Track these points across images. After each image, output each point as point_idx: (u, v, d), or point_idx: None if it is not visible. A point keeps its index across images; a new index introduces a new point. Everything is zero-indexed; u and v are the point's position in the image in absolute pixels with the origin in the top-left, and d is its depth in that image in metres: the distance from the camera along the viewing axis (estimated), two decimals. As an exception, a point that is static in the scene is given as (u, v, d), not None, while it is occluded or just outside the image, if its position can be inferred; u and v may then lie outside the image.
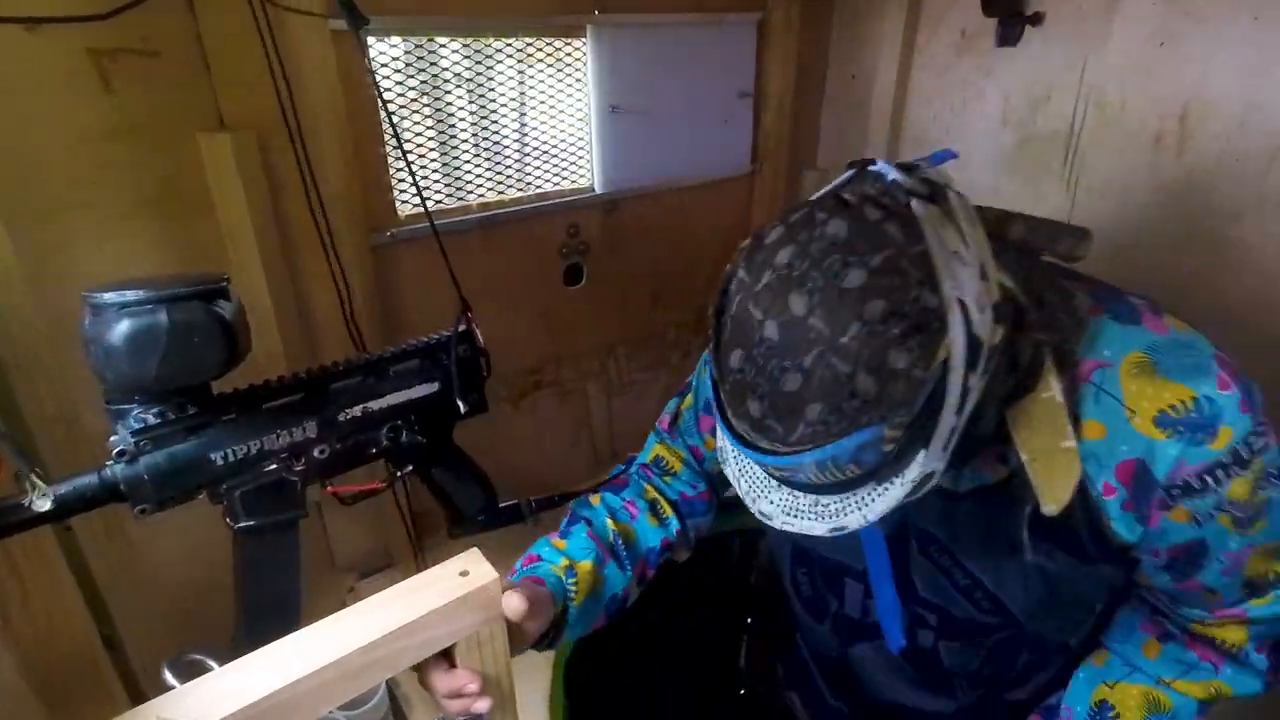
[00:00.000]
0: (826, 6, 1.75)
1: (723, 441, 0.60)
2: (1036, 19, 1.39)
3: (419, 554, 1.47)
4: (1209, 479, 0.59)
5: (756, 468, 0.59)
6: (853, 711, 0.95)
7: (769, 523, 0.59)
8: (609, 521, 0.84)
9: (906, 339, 0.48)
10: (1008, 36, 1.43)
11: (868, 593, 0.80)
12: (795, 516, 0.57)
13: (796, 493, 0.57)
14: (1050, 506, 0.60)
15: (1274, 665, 0.69)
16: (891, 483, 0.53)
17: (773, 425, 0.52)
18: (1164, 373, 0.59)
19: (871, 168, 0.57)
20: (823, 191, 0.58)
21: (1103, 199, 1.39)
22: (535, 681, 1.18)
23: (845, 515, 0.55)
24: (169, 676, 0.61)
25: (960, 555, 0.72)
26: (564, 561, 0.77)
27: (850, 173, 0.58)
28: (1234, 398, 0.58)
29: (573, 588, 0.75)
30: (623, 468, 0.96)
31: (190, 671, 0.56)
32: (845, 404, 0.49)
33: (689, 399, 0.91)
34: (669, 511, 0.89)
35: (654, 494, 0.91)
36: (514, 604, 0.63)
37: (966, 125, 1.56)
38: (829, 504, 0.55)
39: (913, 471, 0.52)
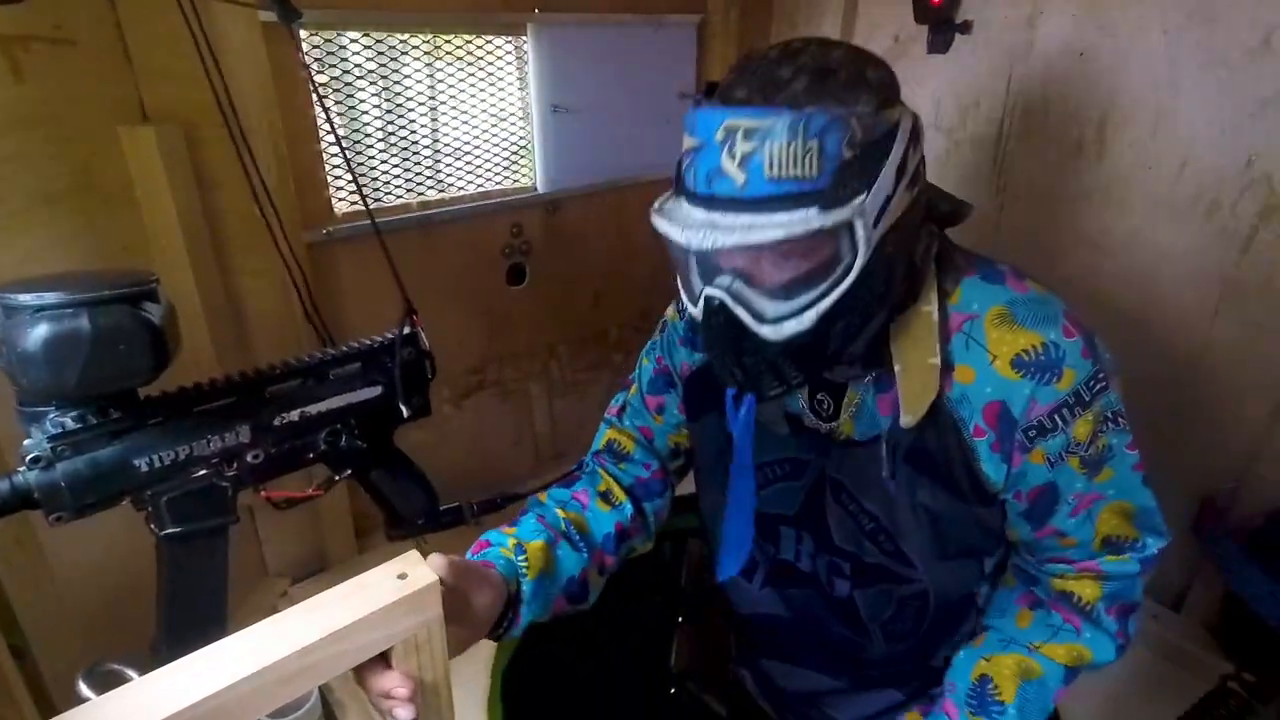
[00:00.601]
0: (765, 10, 1.78)
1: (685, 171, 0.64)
2: (965, 27, 1.44)
3: (358, 554, 1.44)
4: (1057, 418, 0.68)
5: (692, 209, 0.62)
6: (787, 684, 0.98)
7: (688, 241, 0.60)
8: (558, 511, 0.84)
9: (879, 70, 0.62)
10: (938, 44, 1.48)
11: (799, 539, 0.86)
12: (716, 230, 0.59)
13: (727, 215, 0.60)
14: (907, 417, 0.69)
15: (1122, 628, 0.76)
16: (827, 213, 0.57)
17: (755, 96, 0.59)
18: (1020, 322, 0.69)
19: None
20: None
21: (1029, 203, 1.44)
22: (474, 693, 1.17)
23: (766, 231, 0.58)
24: (84, 688, 0.58)
25: (861, 497, 0.78)
26: (512, 542, 0.77)
27: None
28: (1077, 344, 0.68)
29: (523, 564, 0.75)
30: (575, 469, 0.97)
31: (107, 682, 0.53)
32: (828, 81, 0.59)
33: (634, 387, 0.95)
34: (621, 497, 0.90)
35: (608, 482, 0.92)
36: (436, 562, 0.62)
37: (900, 130, 1.59)
38: (757, 221, 0.58)
39: (845, 212, 0.57)
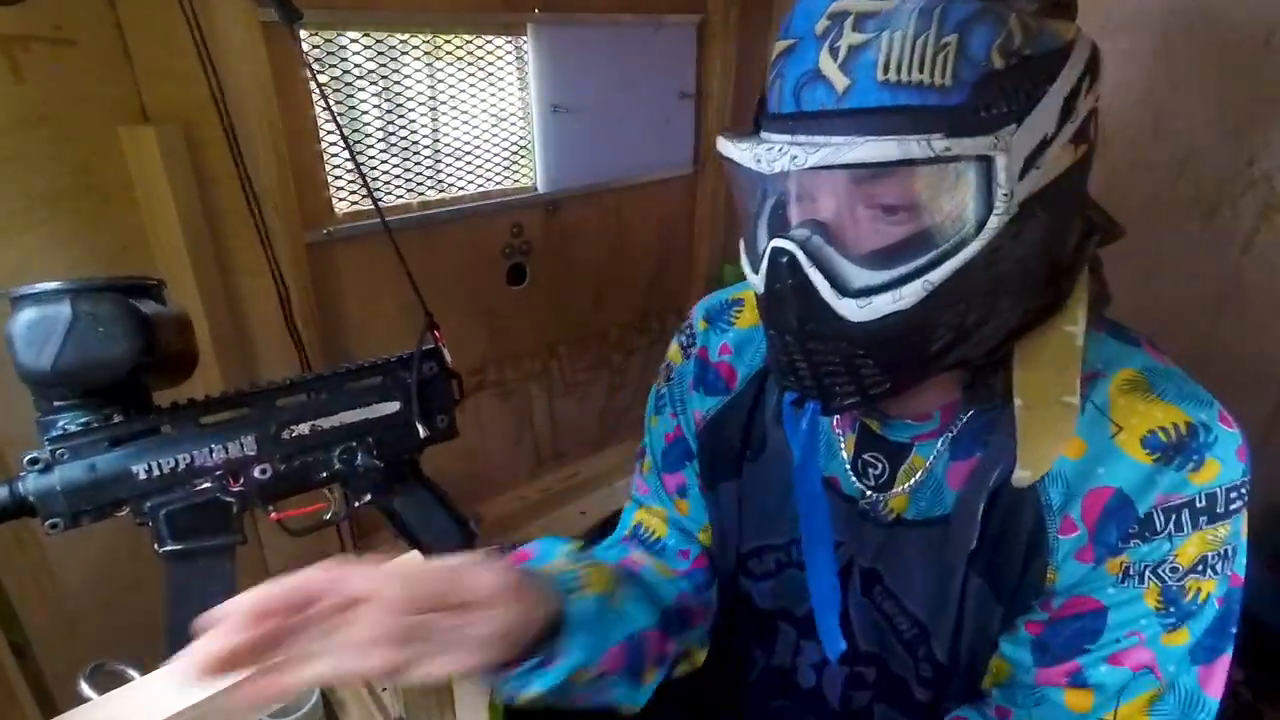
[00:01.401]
0: (765, 9, 1.78)
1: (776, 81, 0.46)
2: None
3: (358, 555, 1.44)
4: (1172, 520, 0.50)
5: (770, 136, 0.46)
6: None
7: (757, 160, 0.45)
8: (610, 563, 0.65)
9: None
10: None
11: (802, 634, 0.69)
12: (795, 148, 0.43)
13: (815, 136, 0.43)
14: (1024, 473, 0.50)
15: None
16: (959, 139, 0.40)
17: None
18: (1160, 393, 0.51)
19: None
20: None
21: (1028, 203, 1.44)
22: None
23: (867, 148, 0.41)
24: (85, 687, 0.58)
25: (902, 596, 0.60)
26: (568, 548, 0.59)
27: None
28: (1235, 437, 0.51)
29: (578, 576, 0.55)
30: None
31: (109, 682, 0.53)
32: None
33: (646, 462, 0.78)
34: (671, 573, 0.71)
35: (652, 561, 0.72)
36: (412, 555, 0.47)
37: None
38: (855, 140, 0.42)
39: (984, 142, 0.41)
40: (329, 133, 1.27)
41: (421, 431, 0.82)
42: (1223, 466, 0.50)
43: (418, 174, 1.44)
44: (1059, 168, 0.45)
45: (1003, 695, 0.57)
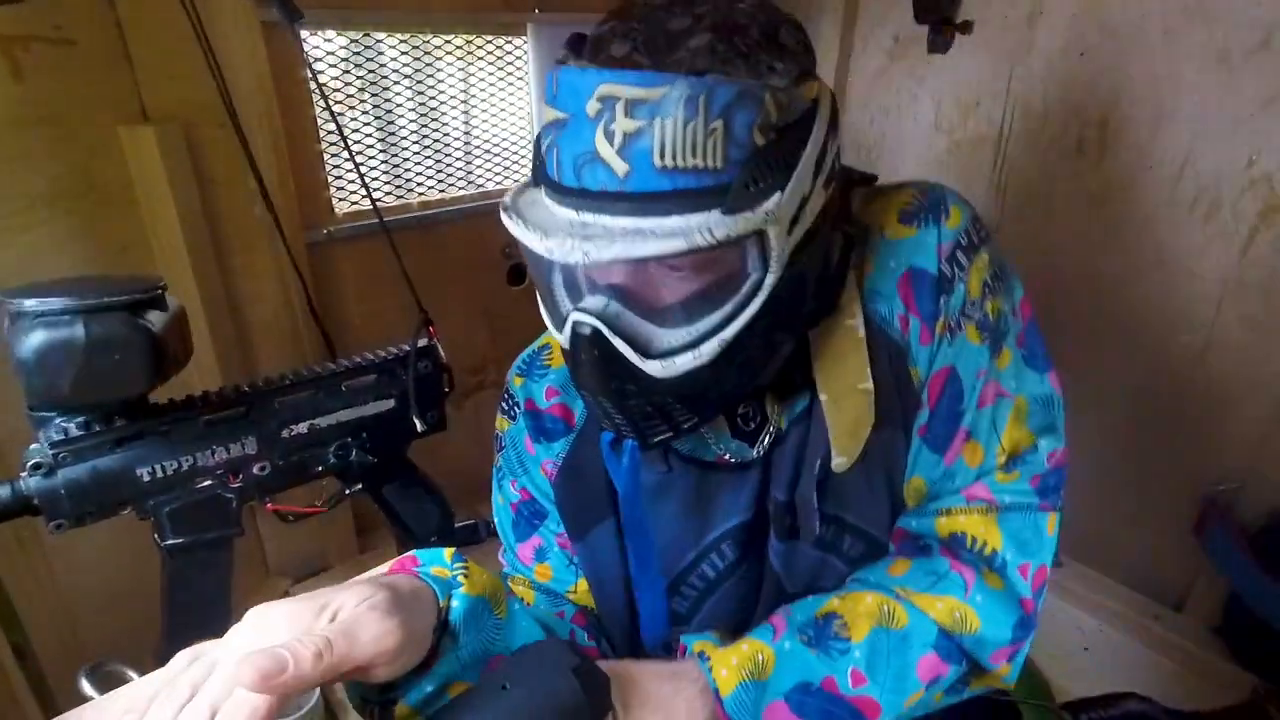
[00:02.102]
0: (766, 11, 1.78)
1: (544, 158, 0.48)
2: (965, 27, 1.44)
3: (359, 554, 1.44)
4: (955, 265, 0.56)
5: (556, 207, 0.47)
6: None
7: (551, 251, 0.45)
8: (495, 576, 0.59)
9: (795, 30, 0.48)
10: (938, 44, 1.47)
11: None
12: (590, 239, 0.44)
13: (602, 216, 0.45)
14: (841, 459, 0.56)
15: (1033, 597, 0.58)
16: (735, 216, 0.44)
17: (639, 56, 0.45)
18: (891, 189, 0.60)
19: None
20: None
21: (1029, 203, 1.44)
22: None
23: (660, 241, 0.43)
24: (86, 687, 0.58)
25: (845, 513, 0.61)
26: (448, 553, 0.54)
27: None
28: (953, 190, 0.59)
29: (460, 574, 0.51)
30: None
31: (109, 682, 0.53)
32: (735, 40, 0.45)
33: (503, 550, 0.75)
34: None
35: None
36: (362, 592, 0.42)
37: (901, 130, 1.59)
38: (644, 225, 0.44)
39: (756, 217, 0.44)
40: (330, 133, 1.27)
41: (417, 426, 0.85)
42: (960, 209, 0.57)
43: (418, 174, 1.44)
44: (815, 211, 0.49)
45: (925, 501, 0.61)
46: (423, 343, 0.86)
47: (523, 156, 1.58)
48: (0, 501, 0.66)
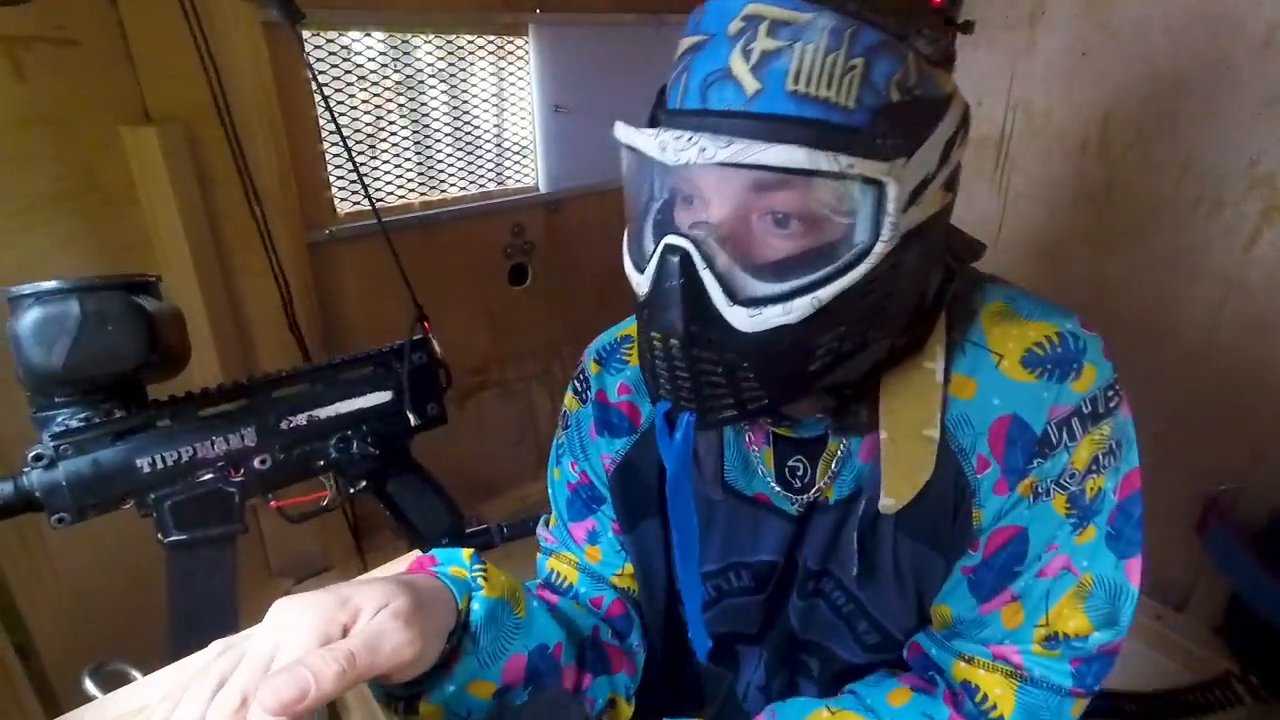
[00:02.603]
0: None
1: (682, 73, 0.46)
2: (967, 27, 1.44)
3: (361, 555, 1.44)
4: (1064, 431, 0.52)
5: (670, 130, 0.44)
6: None
7: (662, 150, 0.44)
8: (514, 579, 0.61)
9: (938, 25, 0.45)
10: (940, 44, 1.47)
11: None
12: (702, 140, 0.42)
13: (721, 135, 0.42)
14: (888, 501, 0.53)
15: None
16: (861, 159, 0.41)
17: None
18: (1026, 315, 0.54)
19: None
20: None
21: (1031, 203, 1.44)
22: None
23: (780, 152, 0.41)
24: (90, 686, 0.58)
25: (844, 577, 0.60)
26: (466, 554, 0.55)
27: None
28: (1099, 340, 0.53)
29: (480, 576, 0.52)
30: None
31: (113, 681, 0.53)
32: None
33: (552, 518, 0.76)
34: (589, 612, 0.69)
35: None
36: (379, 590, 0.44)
37: (902, 129, 1.59)
38: (773, 152, 0.41)
39: (881, 167, 0.42)
40: (331, 133, 1.27)
41: (412, 419, 0.86)
42: (1097, 370, 0.52)
43: (419, 174, 1.44)
44: (933, 208, 0.46)
45: (949, 634, 0.59)
46: (417, 336, 0.88)
47: (523, 157, 1.58)
48: (3, 496, 0.66)
